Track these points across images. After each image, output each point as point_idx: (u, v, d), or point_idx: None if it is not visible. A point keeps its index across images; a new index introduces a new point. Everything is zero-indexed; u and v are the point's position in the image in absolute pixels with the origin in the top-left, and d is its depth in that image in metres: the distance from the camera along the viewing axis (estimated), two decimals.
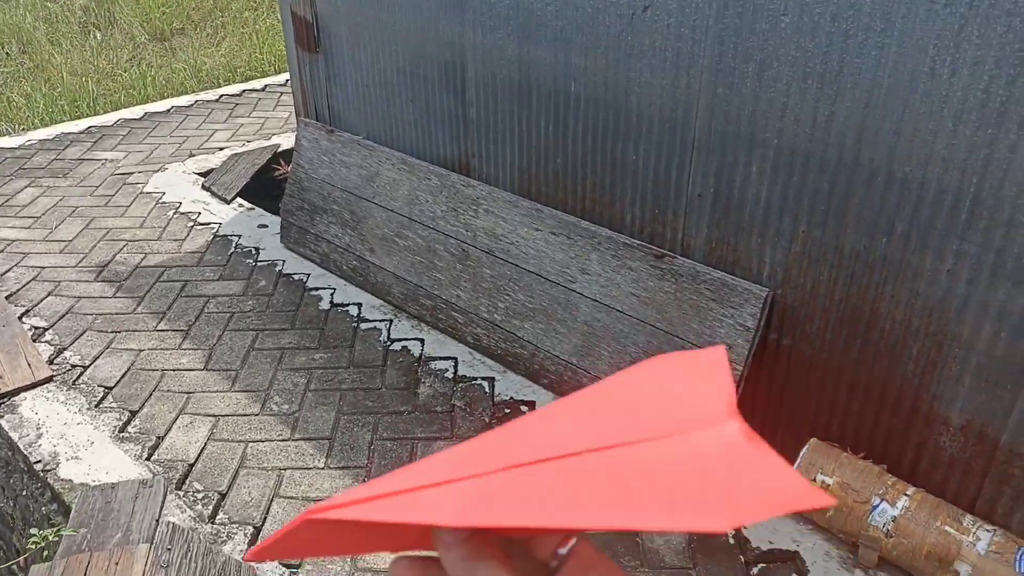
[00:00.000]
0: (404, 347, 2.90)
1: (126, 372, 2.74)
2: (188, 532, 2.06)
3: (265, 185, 4.50)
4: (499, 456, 0.33)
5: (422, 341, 2.94)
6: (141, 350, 2.87)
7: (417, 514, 0.31)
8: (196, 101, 5.39)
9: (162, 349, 2.88)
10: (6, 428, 2.43)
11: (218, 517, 2.16)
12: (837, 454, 1.96)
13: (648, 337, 2.40)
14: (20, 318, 3.00)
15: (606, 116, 2.35)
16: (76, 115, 6.80)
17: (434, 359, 2.84)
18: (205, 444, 2.43)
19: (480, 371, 2.77)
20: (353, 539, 0.36)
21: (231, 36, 9.54)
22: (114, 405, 2.57)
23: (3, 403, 2.55)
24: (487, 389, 2.69)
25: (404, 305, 3.10)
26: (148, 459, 2.35)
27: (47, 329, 2.96)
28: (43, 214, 3.85)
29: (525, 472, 0.31)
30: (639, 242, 2.40)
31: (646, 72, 2.20)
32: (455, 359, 2.84)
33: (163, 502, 2.17)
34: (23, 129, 6.64)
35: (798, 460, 1.98)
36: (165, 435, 2.46)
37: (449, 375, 2.76)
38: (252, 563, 0.46)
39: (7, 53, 9.04)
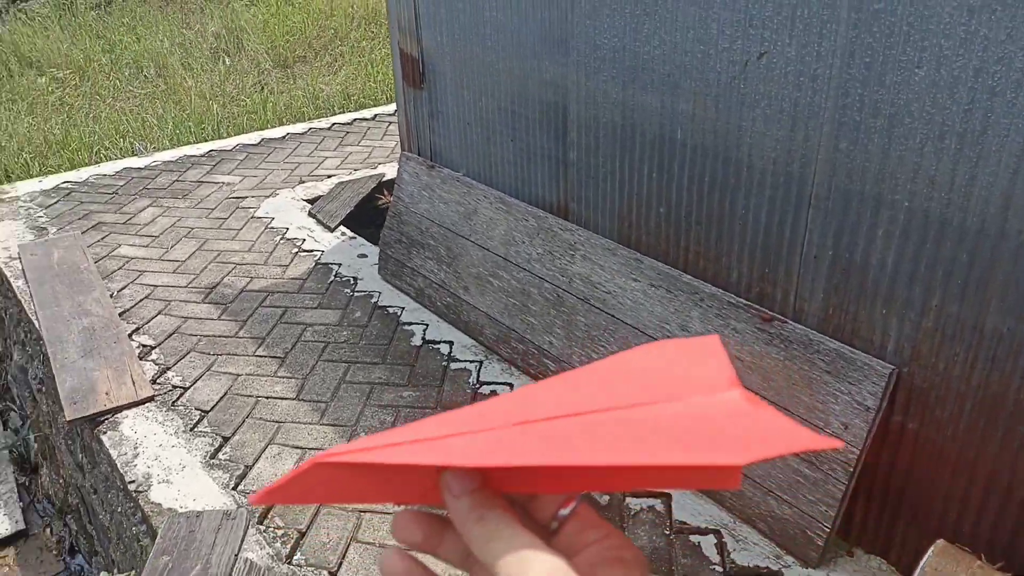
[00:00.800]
0: (492, 391, 2.84)
1: (223, 396, 2.81)
2: (264, 572, 2.05)
3: (368, 213, 4.58)
4: (511, 414, 0.33)
5: (511, 387, 2.87)
6: (239, 375, 2.94)
7: (430, 456, 0.32)
8: (309, 129, 5.58)
9: (259, 375, 2.94)
10: (107, 445, 2.52)
11: (295, 558, 2.14)
12: (969, 561, 1.74)
13: None
14: (130, 335, 3.14)
15: (714, 166, 2.22)
16: (201, 137, 7.20)
17: None
18: None
19: None
20: (359, 487, 0.36)
21: (348, 64, 9.92)
22: (208, 429, 2.63)
23: (107, 419, 2.65)
24: None
25: (495, 347, 3.04)
26: (234, 488, 2.38)
27: (154, 348, 3.08)
28: (161, 233, 4.05)
29: (539, 426, 0.32)
30: (746, 301, 2.25)
31: (759, 122, 2.06)
32: None
33: (244, 536, 2.18)
34: (154, 148, 7.09)
35: (921, 564, 1.77)
36: (253, 465, 2.49)
37: None
38: (257, 505, 0.59)
39: (146, 76, 9.73)
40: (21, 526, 3.35)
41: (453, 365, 2.99)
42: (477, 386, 2.87)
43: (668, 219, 2.43)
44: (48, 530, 3.42)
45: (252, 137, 5.41)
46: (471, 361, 3.01)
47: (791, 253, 2.11)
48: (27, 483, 3.61)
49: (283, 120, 7.89)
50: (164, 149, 6.64)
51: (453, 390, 2.85)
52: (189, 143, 7.08)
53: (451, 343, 3.12)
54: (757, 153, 2.10)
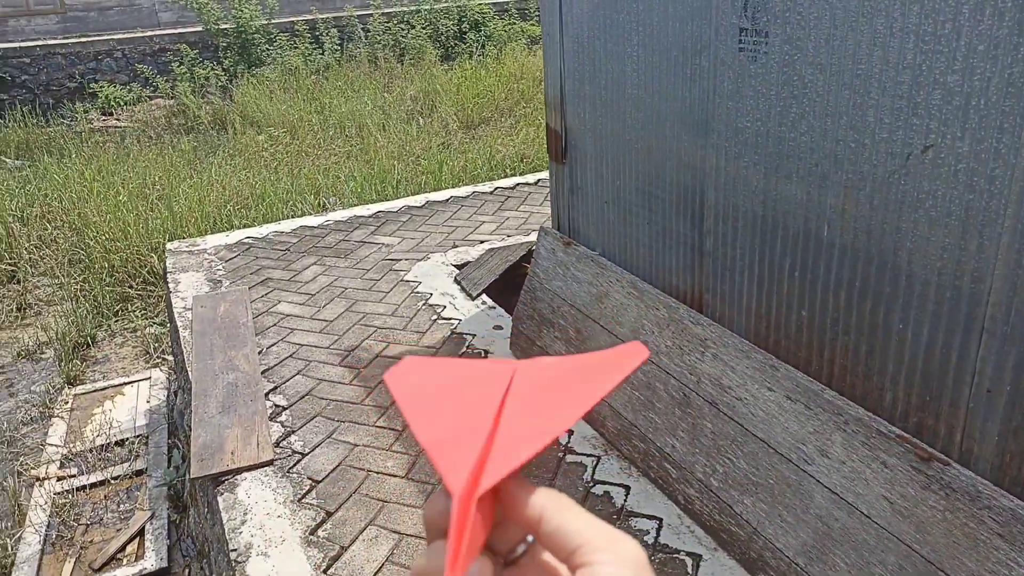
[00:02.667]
0: (607, 492, 2.61)
1: (336, 467, 2.81)
2: None
3: (515, 280, 4.54)
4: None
5: (627, 489, 2.61)
6: (356, 445, 2.94)
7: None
8: (473, 192, 5.70)
9: (374, 447, 2.92)
10: (221, 507, 2.59)
11: None
12: None
13: (900, 559, 1.83)
14: (267, 394, 3.26)
15: (867, 270, 1.89)
16: (384, 195, 7.63)
17: (637, 515, 2.50)
18: (381, 566, 2.35)
19: (686, 542, 2.37)
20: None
21: (529, 125, 10.17)
22: (315, 502, 2.63)
23: (227, 480, 2.74)
24: (689, 571, 2.27)
25: (616, 442, 2.81)
26: (325, 572, 2.33)
27: (285, 409, 3.17)
28: (317, 292, 4.25)
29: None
30: (900, 432, 1.87)
31: (923, 225, 1.72)
32: (660, 520, 2.47)
33: None
34: (341, 205, 7.61)
35: None
36: (349, 546, 2.43)
37: (650, 539, 2.40)
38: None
39: (346, 135, 10.56)
40: (164, 564, 3.55)
41: (569, 457, 2.79)
42: (591, 484, 2.65)
43: (811, 324, 2.10)
44: (187, 571, 3.60)
45: (418, 199, 5.60)
46: (588, 455, 2.79)
47: (958, 382, 1.73)
48: (177, 520, 3.84)
49: (458, 180, 8.18)
50: (351, 206, 7.11)
51: (565, 485, 2.65)
52: (371, 200, 7.53)
53: (570, 432, 2.93)
54: (919, 261, 1.76)
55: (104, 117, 12.53)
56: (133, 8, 14.89)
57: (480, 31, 15.13)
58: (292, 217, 7.07)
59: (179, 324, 3.87)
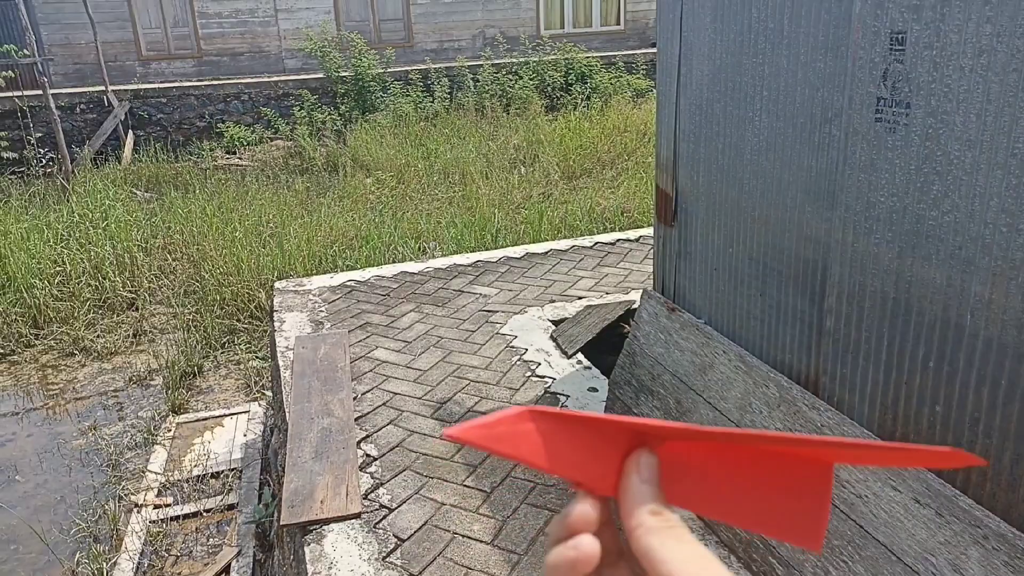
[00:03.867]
0: None
1: (422, 526, 2.75)
2: None
3: (611, 340, 4.42)
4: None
5: None
6: (443, 504, 2.87)
7: (630, 423, 0.38)
8: (572, 246, 5.65)
9: (461, 508, 2.85)
10: (307, 559, 2.57)
11: None
12: None
13: None
14: (359, 443, 3.26)
15: (1016, 369, 1.70)
16: (483, 243, 7.71)
17: None
18: None
19: None
20: (551, 449, 0.38)
21: (630, 179, 10.10)
22: (398, 562, 2.57)
23: (315, 529, 2.72)
24: None
25: (715, 525, 2.63)
26: None
27: (375, 459, 3.16)
28: (414, 339, 4.26)
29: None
30: None
31: None
32: None
33: None
34: (441, 251, 7.73)
35: None
36: None
37: None
38: (450, 439, 0.43)
39: (450, 181, 10.79)
40: None
41: None
42: None
43: (946, 422, 1.90)
44: None
45: (517, 251, 5.60)
46: None
47: None
48: (262, 560, 3.87)
49: (557, 230, 8.17)
50: (449, 253, 7.21)
51: None
52: (470, 247, 7.62)
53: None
54: None
55: (227, 156, 13.32)
56: (262, 55, 15.91)
57: (586, 83, 15.28)
58: (394, 261, 7.24)
59: (281, 363, 3.95)
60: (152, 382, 5.98)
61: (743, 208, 2.58)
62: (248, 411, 5.25)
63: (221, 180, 10.77)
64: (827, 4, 2.06)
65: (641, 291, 3.37)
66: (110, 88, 13.01)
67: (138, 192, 11.01)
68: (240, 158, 13.37)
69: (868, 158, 2.01)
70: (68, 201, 9.07)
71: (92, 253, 7.43)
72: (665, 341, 3.04)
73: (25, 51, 10.88)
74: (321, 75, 14.24)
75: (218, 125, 13.62)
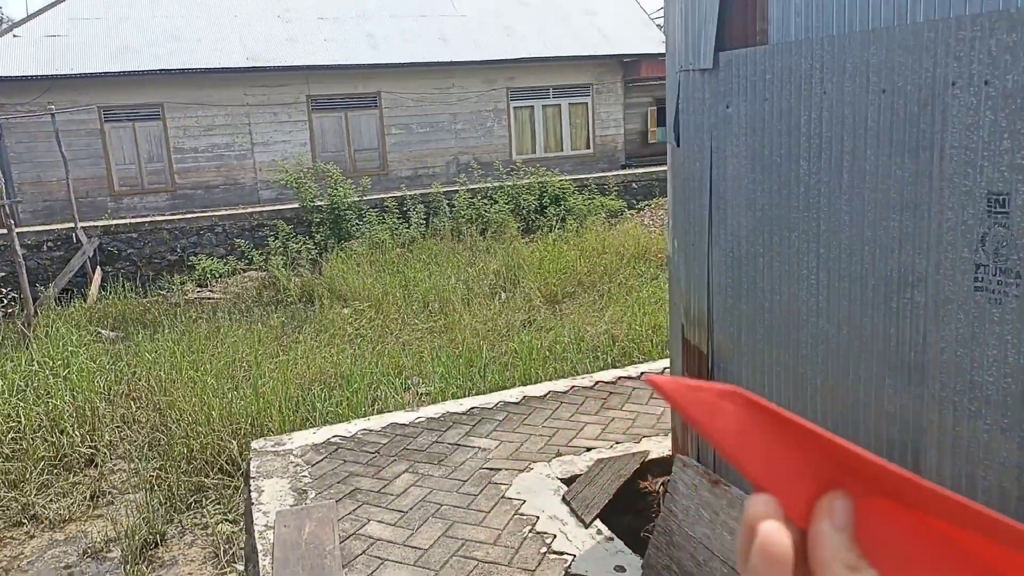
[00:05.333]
0: None
1: None
2: None
3: (627, 496, 4.01)
4: None
5: None
6: None
7: (844, 449, 0.34)
8: (572, 387, 5.29)
9: None
10: None
11: None
12: None
13: None
14: None
15: None
16: (469, 377, 7.33)
17: None
18: None
19: None
20: (750, 445, 0.36)
21: (615, 303, 9.91)
22: None
23: None
24: None
25: None
26: None
27: None
28: (411, 509, 3.80)
29: None
30: None
31: None
32: None
33: None
34: (426, 387, 7.32)
35: None
36: None
37: None
38: (650, 383, 0.35)
39: (430, 311, 10.51)
40: None
41: None
42: None
43: None
44: None
45: (514, 394, 5.23)
46: None
47: None
48: None
49: (545, 360, 7.83)
50: (436, 393, 6.80)
51: None
52: (456, 382, 7.23)
53: None
54: None
55: (199, 289, 12.97)
56: (237, 186, 15.90)
57: (560, 205, 15.44)
58: (376, 403, 6.80)
59: (259, 546, 3.46)
60: (109, 554, 5.33)
61: (800, 375, 2.28)
62: None
63: (192, 318, 10.36)
64: (898, 159, 1.84)
65: (674, 458, 3.00)
66: (79, 224, 12.75)
67: (104, 331, 10.53)
68: (212, 291, 13.02)
69: (968, 331, 1.73)
70: (27, 348, 8.56)
71: (50, 405, 6.88)
72: (710, 520, 2.65)
73: None
74: (296, 205, 14.19)
75: (190, 258, 13.35)
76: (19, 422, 6.67)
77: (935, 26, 1.72)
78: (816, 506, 0.34)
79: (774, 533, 0.34)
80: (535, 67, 17.92)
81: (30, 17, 14.90)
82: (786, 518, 0.35)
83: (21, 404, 6.91)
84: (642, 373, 5.43)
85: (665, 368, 5.43)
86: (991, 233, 1.64)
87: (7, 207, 10.05)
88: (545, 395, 5.17)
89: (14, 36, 14.08)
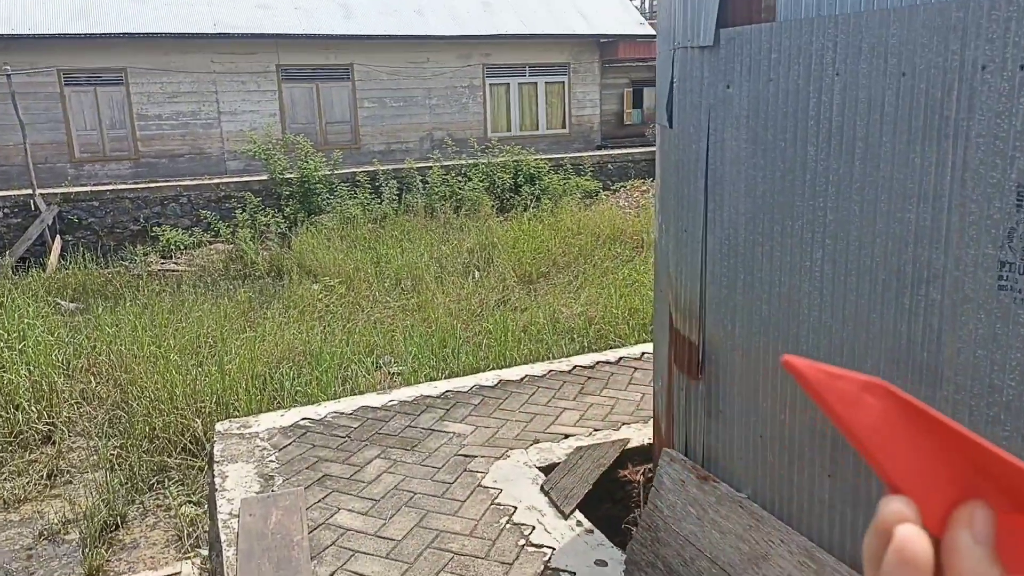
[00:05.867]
0: None
1: None
2: None
3: (606, 485, 3.93)
4: None
5: None
6: None
7: (993, 453, 0.32)
8: (549, 371, 5.19)
9: None
10: None
11: None
12: None
13: None
14: None
15: None
16: (442, 357, 7.19)
17: None
18: None
19: None
20: (889, 440, 0.34)
21: (590, 285, 9.82)
22: None
23: None
24: None
25: None
26: None
27: None
28: (383, 497, 3.67)
29: None
30: None
31: None
32: None
33: None
34: (397, 364, 7.17)
35: None
36: None
37: None
38: (787, 366, 0.32)
39: (402, 288, 10.32)
40: None
41: None
42: None
43: None
44: None
45: (489, 377, 5.11)
46: None
47: None
48: None
49: (519, 341, 7.72)
50: (408, 375, 6.65)
51: None
52: (429, 363, 7.09)
53: None
54: None
55: (163, 261, 12.61)
56: (203, 156, 15.46)
57: (535, 184, 15.28)
58: (347, 382, 6.64)
59: (223, 535, 3.30)
60: (67, 536, 5.13)
61: None
62: (179, 573, 4.49)
63: (155, 291, 10.05)
64: (917, 147, 1.73)
65: (660, 451, 2.91)
66: (38, 191, 12.28)
67: (63, 303, 10.18)
68: (176, 263, 12.67)
69: (988, 331, 1.64)
70: None
71: (4, 380, 6.60)
72: (698, 517, 2.56)
73: None
74: (265, 177, 13.83)
75: (154, 229, 12.96)
76: None
77: (965, 4, 1.60)
78: (954, 514, 0.33)
79: (914, 538, 0.32)
80: (512, 44, 17.65)
81: None
82: (921, 523, 0.33)
83: None
84: (620, 358, 5.35)
85: (644, 353, 5.35)
86: (1019, 229, 1.55)
87: None
88: (522, 379, 5.05)
89: None
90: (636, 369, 5.11)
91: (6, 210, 12.31)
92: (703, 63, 2.45)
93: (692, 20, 2.48)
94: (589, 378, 5.05)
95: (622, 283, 9.59)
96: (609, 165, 16.65)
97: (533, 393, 4.83)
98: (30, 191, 12.30)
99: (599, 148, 18.80)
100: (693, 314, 2.62)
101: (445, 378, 5.53)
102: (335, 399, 5.10)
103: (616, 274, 10.19)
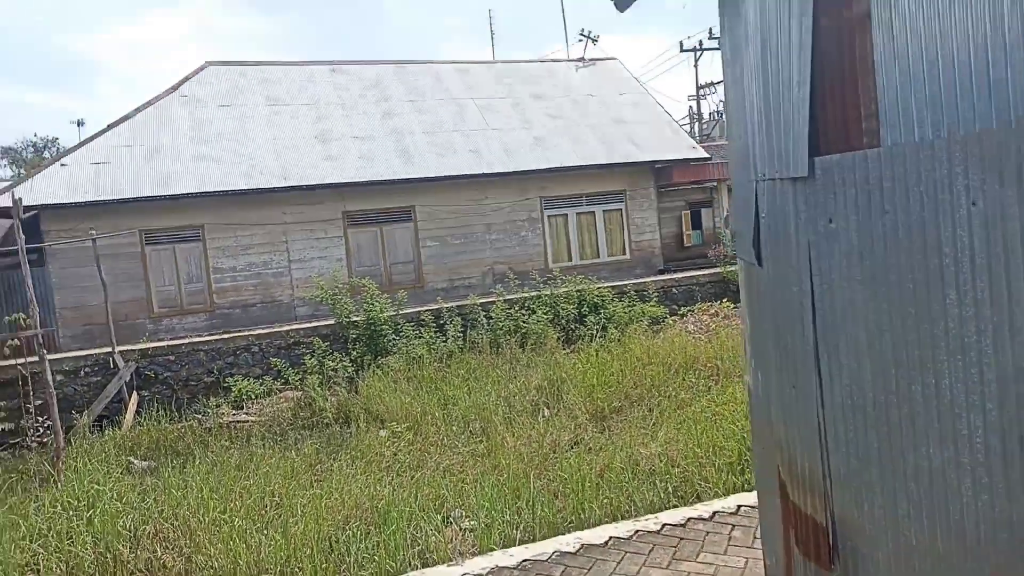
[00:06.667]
0: None
1: None
2: None
3: None
4: None
5: None
6: None
7: None
8: (636, 532, 4.68)
9: None
10: None
11: None
12: None
13: None
14: None
15: None
16: (515, 511, 6.66)
17: None
18: None
19: None
20: None
21: (667, 421, 9.25)
22: None
23: None
24: None
25: None
26: None
27: None
28: None
29: None
30: None
31: None
32: None
33: None
34: (470, 521, 6.69)
35: None
36: None
37: None
38: None
39: (471, 431, 9.96)
40: None
41: None
42: None
43: None
44: None
45: (569, 541, 4.63)
46: None
47: None
48: None
49: (598, 490, 7.14)
50: (480, 533, 6.17)
51: None
52: (502, 516, 6.58)
53: None
54: None
55: (234, 412, 12.63)
56: (274, 304, 15.85)
57: (599, 313, 15.03)
58: (414, 544, 6.18)
59: None
60: None
61: (969, 570, 1.74)
62: None
63: (224, 444, 9.95)
64: None
65: None
66: (117, 348, 12.66)
67: (135, 461, 10.17)
68: (247, 413, 12.67)
69: None
70: (54, 485, 8.19)
71: (70, 553, 6.41)
72: None
73: (29, 320, 10.61)
74: (332, 321, 14.00)
75: (226, 379, 13.09)
76: (37, 572, 6.19)
77: None
78: None
79: None
80: (568, 176, 18.00)
81: (78, 146, 15.46)
82: None
83: (41, 551, 6.46)
84: (714, 513, 4.80)
85: (740, 506, 4.80)
86: None
87: (39, 336, 9.94)
88: (606, 543, 4.55)
89: (61, 165, 14.55)
90: (734, 527, 4.56)
91: (87, 369, 12.67)
92: (797, 196, 2.18)
93: (779, 149, 2.23)
94: (681, 539, 4.52)
95: (700, 416, 9.01)
96: (674, 289, 16.35)
97: (620, 560, 4.32)
98: (110, 349, 12.68)
99: (661, 272, 18.59)
100: (815, 488, 2.21)
101: (521, 542, 5.06)
102: (403, 574, 4.68)
103: (692, 406, 9.62)
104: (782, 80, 2.14)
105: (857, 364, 1.99)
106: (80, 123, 36.03)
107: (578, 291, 15.17)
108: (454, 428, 9.97)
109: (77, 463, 9.02)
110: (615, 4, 2.94)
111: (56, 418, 9.39)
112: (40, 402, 11.81)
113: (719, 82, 33.02)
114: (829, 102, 2.05)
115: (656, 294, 15.73)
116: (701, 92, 34.14)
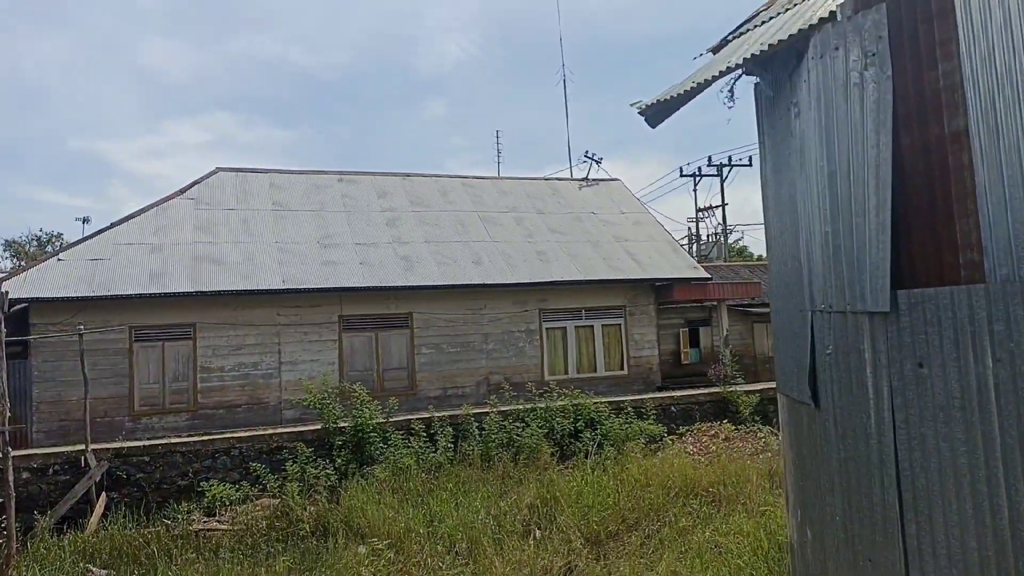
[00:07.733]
0: None
1: None
2: None
3: None
4: None
5: None
6: None
7: None
8: None
9: None
10: None
11: None
12: None
13: None
14: None
15: None
16: None
17: None
18: None
19: None
20: None
21: (668, 550, 8.66)
22: None
23: None
24: None
25: None
26: None
27: None
28: None
29: None
30: None
31: None
32: None
33: None
34: None
35: None
36: None
37: None
38: None
39: (457, 552, 9.32)
40: None
41: None
42: None
43: None
44: None
45: None
46: None
47: None
48: None
49: None
50: None
51: None
52: None
53: None
54: None
55: (206, 519, 11.90)
56: (260, 406, 15.34)
57: (596, 429, 14.53)
58: None
59: None
60: None
61: None
62: None
63: (189, 558, 9.27)
64: None
65: None
66: (91, 447, 12.08)
67: (94, 569, 9.45)
68: (219, 520, 11.93)
69: None
70: None
71: None
72: None
73: None
74: (319, 426, 13.48)
75: (200, 484, 12.43)
76: None
77: None
78: None
79: None
80: (568, 289, 17.93)
81: (78, 242, 15.41)
82: None
83: None
84: None
85: None
86: None
87: (6, 433, 9.44)
88: None
89: (58, 260, 14.45)
90: None
91: (56, 467, 12.06)
92: (875, 333, 1.91)
93: (849, 278, 1.98)
94: None
95: (703, 547, 8.43)
96: (672, 407, 15.90)
97: None
98: (83, 446, 12.11)
99: (659, 389, 18.17)
100: None
101: None
102: None
103: (694, 535, 9.04)
104: (854, 203, 1.93)
105: (959, 541, 1.68)
106: (85, 220, 36.45)
107: (574, 405, 14.73)
108: (439, 547, 9.33)
109: (28, 572, 8.35)
110: (646, 120, 2.82)
111: (11, 521, 8.78)
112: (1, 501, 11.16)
113: (717, 206, 33.73)
114: (915, 229, 1.82)
115: (654, 412, 15.28)
116: (700, 215, 34.85)
